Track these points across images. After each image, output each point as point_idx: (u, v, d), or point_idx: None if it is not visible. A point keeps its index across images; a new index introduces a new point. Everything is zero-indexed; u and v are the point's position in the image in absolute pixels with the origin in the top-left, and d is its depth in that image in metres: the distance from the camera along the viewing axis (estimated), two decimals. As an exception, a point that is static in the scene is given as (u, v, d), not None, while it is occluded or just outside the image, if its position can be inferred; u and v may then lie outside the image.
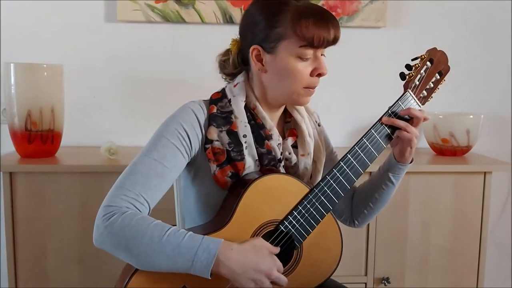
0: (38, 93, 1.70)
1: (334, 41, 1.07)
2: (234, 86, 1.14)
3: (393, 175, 1.19)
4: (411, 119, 1.12)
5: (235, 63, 1.17)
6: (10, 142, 1.76)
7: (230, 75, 1.20)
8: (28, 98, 1.69)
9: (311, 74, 1.09)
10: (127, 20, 1.95)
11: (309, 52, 1.06)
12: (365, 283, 1.79)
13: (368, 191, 1.25)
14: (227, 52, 1.20)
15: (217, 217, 1.10)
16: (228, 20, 1.96)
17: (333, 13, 1.09)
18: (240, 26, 1.16)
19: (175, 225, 1.27)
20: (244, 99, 1.13)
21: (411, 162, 1.19)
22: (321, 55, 1.10)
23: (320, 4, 1.07)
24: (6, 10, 1.92)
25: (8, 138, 1.77)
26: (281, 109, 1.20)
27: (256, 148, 1.11)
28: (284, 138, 1.19)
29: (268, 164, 1.12)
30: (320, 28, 1.03)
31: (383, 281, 1.78)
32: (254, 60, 1.10)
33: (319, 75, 1.09)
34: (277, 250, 1.03)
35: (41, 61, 1.81)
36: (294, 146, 1.19)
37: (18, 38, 1.94)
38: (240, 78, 1.15)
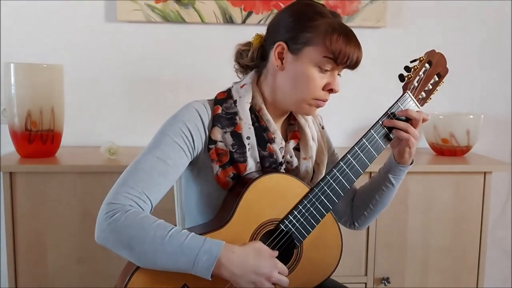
0: (38, 93, 1.70)
1: (355, 64, 1.08)
2: (241, 87, 1.14)
3: (393, 177, 1.19)
4: (409, 120, 1.12)
5: (253, 56, 1.16)
6: (10, 142, 1.76)
7: (243, 67, 1.20)
8: (28, 98, 1.69)
9: (324, 88, 1.09)
10: (127, 20, 1.95)
11: (329, 66, 1.07)
12: (365, 283, 1.79)
13: (368, 193, 1.25)
14: (248, 43, 1.19)
15: (217, 217, 1.10)
16: (228, 20, 1.96)
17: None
18: (269, 24, 1.15)
19: (175, 225, 1.27)
20: (250, 101, 1.12)
21: (411, 164, 1.19)
22: (338, 74, 1.11)
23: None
24: (6, 10, 1.92)
25: (8, 138, 1.77)
26: (287, 114, 1.19)
27: (258, 150, 1.10)
28: (286, 140, 1.18)
29: (269, 166, 1.12)
30: (348, 47, 1.05)
31: (383, 281, 1.78)
32: (275, 56, 1.10)
33: (331, 90, 1.10)
34: (275, 253, 1.03)
35: (41, 61, 1.81)
36: (296, 149, 1.19)
37: (18, 38, 1.94)
38: (248, 79, 1.15)
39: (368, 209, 1.25)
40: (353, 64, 1.08)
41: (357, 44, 1.06)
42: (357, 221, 1.29)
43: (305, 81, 1.08)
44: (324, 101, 1.11)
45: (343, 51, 1.04)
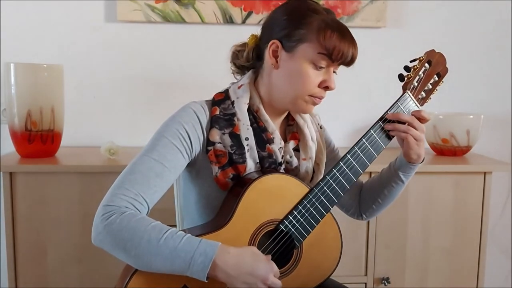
0: (38, 93, 1.70)
1: (351, 61, 1.08)
2: (239, 87, 1.14)
3: (403, 174, 1.20)
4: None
5: (248, 57, 1.16)
6: (10, 142, 1.76)
7: (240, 68, 1.20)
8: (28, 98, 1.69)
9: (319, 85, 1.09)
10: (127, 20, 1.95)
11: (324, 62, 1.06)
12: (365, 283, 1.79)
13: (377, 187, 1.26)
14: (244, 44, 1.19)
15: (217, 217, 1.10)
16: (228, 20, 1.96)
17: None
18: (264, 23, 1.16)
19: (175, 225, 1.27)
20: (248, 101, 1.12)
21: (422, 161, 1.19)
22: (333, 72, 1.10)
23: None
24: (6, 10, 1.92)
25: (8, 138, 1.77)
26: (285, 113, 1.20)
27: (257, 151, 1.10)
28: (285, 140, 1.18)
29: (268, 167, 1.12)
30: (342, 43, 1.05)
31: (383, 281, 1.78)
32: (270, 54, 1.10)
33: (327, 88, 1.09)
34: (269, 258, 1.02)
35: (41, 61, 1.81)
36: (296, 149, 1.19)
37: (18, 38, 1.94)
38: (245, 80, 1.15)
39: (377, 203, 1.27)
40: (349, 61, 1.08)
41: (351, 41, 1.06)
42: (365, 213, 1.31)
43: (300, 78, 1.07)
44: (320, 98, 1.11)
45: (338, 47, 1.04)
